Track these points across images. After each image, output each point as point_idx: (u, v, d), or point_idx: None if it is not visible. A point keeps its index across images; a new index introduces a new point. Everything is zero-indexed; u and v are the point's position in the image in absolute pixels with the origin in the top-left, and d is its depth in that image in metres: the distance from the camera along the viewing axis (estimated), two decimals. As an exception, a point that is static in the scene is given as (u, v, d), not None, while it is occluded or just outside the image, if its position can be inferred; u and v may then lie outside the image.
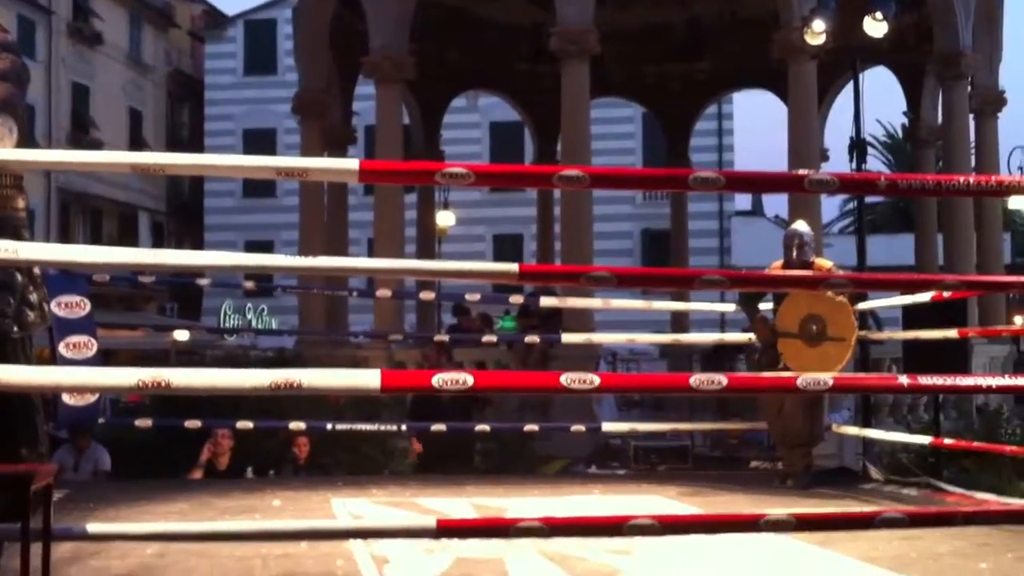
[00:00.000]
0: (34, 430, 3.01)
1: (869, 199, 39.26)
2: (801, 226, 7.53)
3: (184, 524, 3.72)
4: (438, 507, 6.02)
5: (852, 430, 8.13)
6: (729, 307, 8.93)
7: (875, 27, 10.06)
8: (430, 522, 2.78)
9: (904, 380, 3.00)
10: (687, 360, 16.11)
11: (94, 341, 7.15)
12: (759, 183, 3.08)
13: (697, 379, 2.87)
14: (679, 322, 18.84)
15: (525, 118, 20.25)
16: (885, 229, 33.09)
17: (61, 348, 6.97)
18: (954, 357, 7.93)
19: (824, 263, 7.53)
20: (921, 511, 3.21)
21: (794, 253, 7.34)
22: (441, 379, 2.74)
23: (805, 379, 2.88)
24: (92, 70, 31.16)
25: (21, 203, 3.27)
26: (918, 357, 7.95)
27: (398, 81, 13.93)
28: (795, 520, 2.87)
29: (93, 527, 2.84)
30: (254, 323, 29.94)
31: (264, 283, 21.03)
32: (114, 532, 3.02)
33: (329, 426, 7.74)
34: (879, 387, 3.58)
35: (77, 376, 2.75)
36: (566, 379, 2.80)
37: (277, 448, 9.57)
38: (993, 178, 3.06)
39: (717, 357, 13.39)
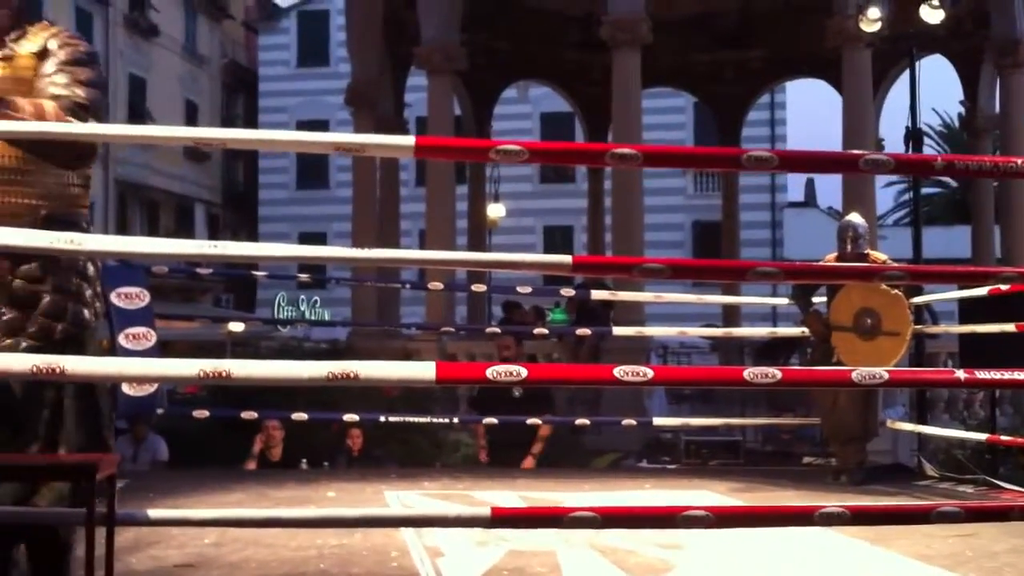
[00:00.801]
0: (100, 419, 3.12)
1: (925, 191, 38.78)
2: (855, 218, 7.46)
3: (244, 511, 3.78)
4: (490, 500, 6.05)
5: (907, 426, 8.04)
6: (782, 301, 8.86)
7: (931, 14, 9.93)
8: (485, 511, 2.80)
9: (961, 375, 2.97)
10: (738, 354, 16.03)
11: (153, 332, 7.25)
12: (813, 163, 3.05)
13: (751, 373, 2.86)
14: (730, 315, 18.74)
15: (575, 108, 20.22)
16: (941, 221, 32.62)
17: (121, 339, 7.07)
18: (1012, 352, 7.83)
19: (879, 256, 7.45)
20: (977, 505, 3.18)
21: (848, 246, 7.26)
22: (495, 371, 2.76)
23: (860, 373, 2.86)
24: (148, 62, 31.54)
25: (86, 202, 3.36)
26: (975, 351, 7.85)
27: (449, 72, 13.98)
28: (850, 514, 2.85)
29: (154, 513, 2.90)
30: (307, 315, 30.21)
31: (317, 275, 21.29)
32: (174, 518, 3.08)
33: (382, 418, 7.79)
34: (935, 381, 3.54)
35: (141, 367, 2.81)
36: (619, 372, 2.80)
37: (331, 440, 9.66)
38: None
39: (771, 351, 13.31)
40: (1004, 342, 7.52)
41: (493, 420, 7.52)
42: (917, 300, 7.66)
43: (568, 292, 8.34)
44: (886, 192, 37.18)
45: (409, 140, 2.87)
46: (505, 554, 4.47)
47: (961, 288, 7.34)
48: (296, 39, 35.32)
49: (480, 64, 15.75)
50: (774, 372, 2.86)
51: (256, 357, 14.93)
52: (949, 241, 25.08)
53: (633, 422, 8.22)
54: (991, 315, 7.26)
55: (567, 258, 2.85)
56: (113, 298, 7.09)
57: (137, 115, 30.47)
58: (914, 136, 8.91)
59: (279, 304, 30.54)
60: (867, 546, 4.65)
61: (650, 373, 2.83)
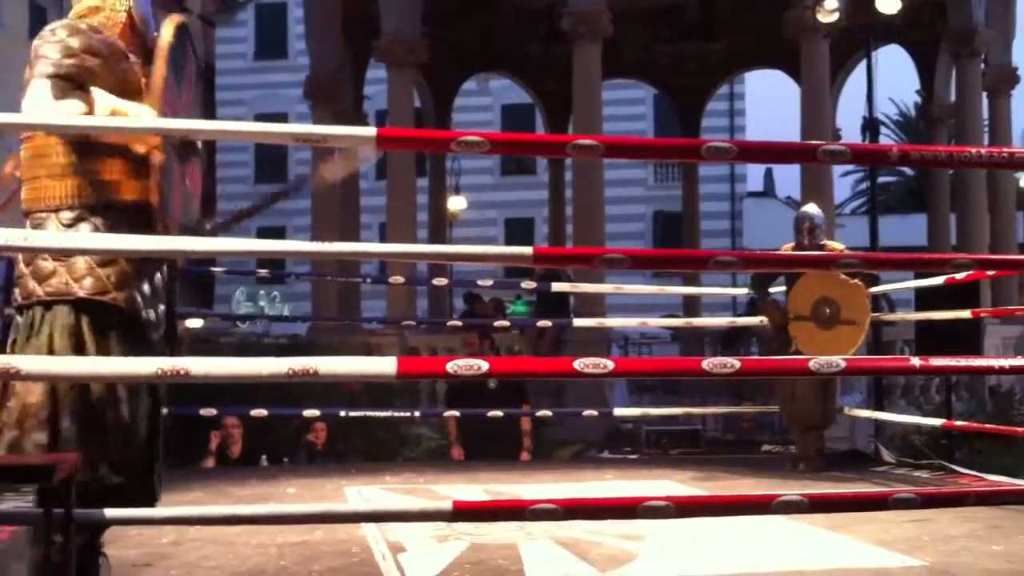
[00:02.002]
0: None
1: (881, 179, 39.19)
2: (812, 209, 7.52)
3: (202, 508, 3.75)
4: (452, 494, 6.04)
5: (864, 412, 8.13)
6: (741, 291, 8.93)
7: (888, 4, 10.04)
8: (446, 505, 2.80)
9: (917, 362, 3.00)
10: (699, 344, 16.12)
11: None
12: (772, 153, 3.07)
13: (710, 363, 2.88)
14: (691, 306, 18.86)
15: (537, 100, 20.24)
16: (898, 210, 32.98)
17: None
18: (967, 338, 7.93)
19: (836, 246, 7.52)
20: (934, 492, 3.22)
21: (805, 236, 7.31)
22: (456, 365, 2.76)
23: (818, 362, 2.89)
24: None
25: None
26: (931, 339, 7.95)
27: (410, 65, 13.94)
28: (808, 501, 2.88)
29: (111, 512, 2.87)
30: (267, 310, 30.00)
31: (277, 270, 21.13)
32: (132, 517, 3.04)
33: (343, 413, 7.76)
34: (892, 369, 3.58)
35: (98, 366, 2.78)
36: (580, 364, 2.81)
37: (291, 436, 9.61)
38: (1005, 150, 3.05)
39: (730, 340, 13.41)
40: (959, 329, 7.63)
41: (455, 413, 7.51)
42: (875, 289, 7.72)
43: (529, 284, 8.34)
44: (844, 181, 37.52)
45: (371, 131, 2.86)
46: (467, 548, 4.46)
47: (918, 276, 7.43)
48: (254, 32, 35.06)
49: (441, 57, 15.71)
50: (733, 362, 2.88)
51: (215, 354, 14.83)
52: (906, 229, 25.32)
53: (595, 413, 8.25)
54: (947, 302, 7.35)
55: (528, 249, 2.85)
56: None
57: (93, 109, 30.11)
58: (871, 126, 8.99)
59: (237, 299, 30.29)
60: (826, 533, 4.69)
61: (611, 365, 2.84)
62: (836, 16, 10.84)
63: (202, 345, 18.90)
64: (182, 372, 2.60)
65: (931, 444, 8.42)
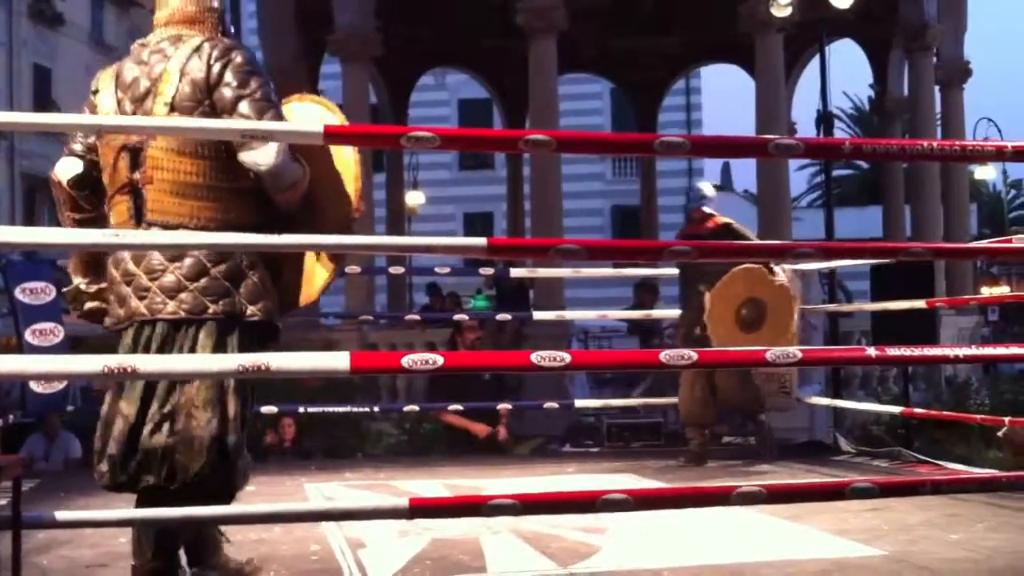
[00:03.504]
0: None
1: (836, 172, 39.55)
2: (702, 186, 7.89)
3: (153, 510, 3.68)
4: (412, 489, 6.01)
5: (823, 401, 8.17)
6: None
7: (841, -2, 10.06)
8: (402, 502, 2.76)
9: (873, 352, 3.00)
10: (659, 336, 16.15)
11: (61, 328, 7.06)
12: (724, 148, 3.07)
13: (667, 355, 2.87)
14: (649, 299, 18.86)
15: (494, 95, 20.17)
16: (854, 202, 33.30)
17: (27, 335, 6.88)
18: (922, 328, 7.99)
19: (723, 219, 7.47)
20: (891, 481, 3.24)
21: (698, 222, 7.41)
22: (411, 360, 2.72)
23: (775, 352, 2.88)
24: (54, 52, 30.75)
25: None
26: (887, 329, 8.00)
27: (365, 59, 13.83)
28: (767, 492, 2.88)
29: (62, 515, 2.81)
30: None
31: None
32: (83, 519, 2.99)
33: (301, 409, 7.69)
34: (848, 359, 3.59)
35: (44, 364, 2.72)
36: (537, 357, 2.79)
37: (253, 431, 9.50)
38: (957, 143, 3.06)
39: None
40: (915, 319, 7.68)
41: (415, 407, 7.48)
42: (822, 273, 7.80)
43: (487, 271, 8.28)
44: (800, 175, 37.87)
45: (318, 127, 2.82)
46: (428, 543, 4.43)
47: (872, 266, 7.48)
48: (208, 27, 34.65)
49: (396, 51, 15.60)
50: (690, 354, 2.87)
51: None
52: (862, 222, 25.58)
53: (555, 405, 8.24)
54: (903, 293, 7.41)
55: (482, 241, 2.82)
56: (18, 293, 6.89)
57: (42, 106, 29.62)
58: (825, 120, 9.05)
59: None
60: (785, 523, 4.70)
61: (568, 358, 2.81)
62: (789, 10, 10.88)
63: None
64: (129, 370, 2.54)
65: (890, 433, 8.48)
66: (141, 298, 3.25)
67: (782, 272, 7.08)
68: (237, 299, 3.26)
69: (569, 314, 10.03)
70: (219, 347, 3.16)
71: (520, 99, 15.32)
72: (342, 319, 13.38)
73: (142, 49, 3.55)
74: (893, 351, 3.01)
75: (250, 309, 3.27)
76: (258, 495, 6.20)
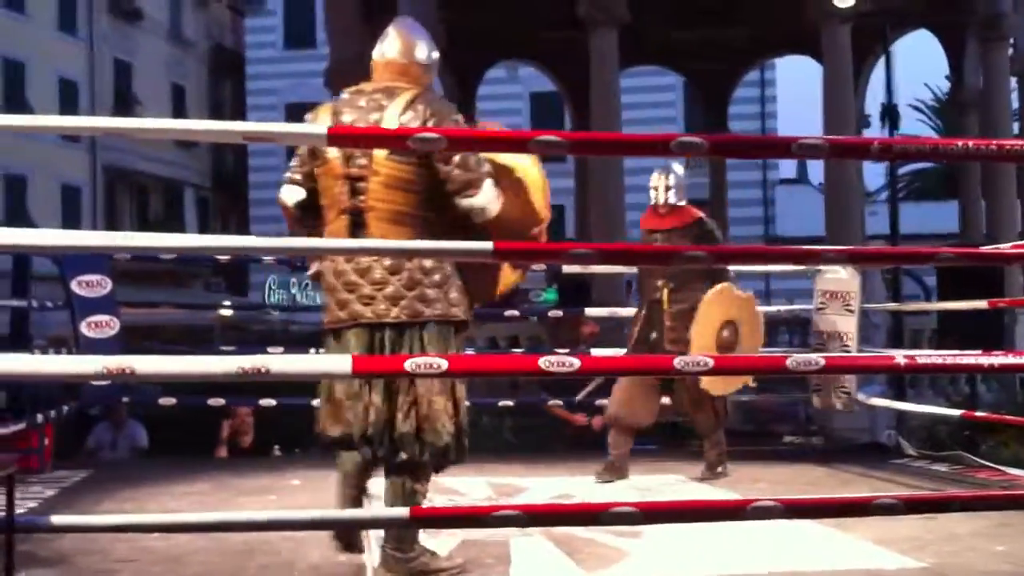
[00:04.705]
0: None
1: (916, 166, 38.65)
2: (671, 166, 6.47)
3: (145, 516, 3.70)
4: (455, 486, 5.93)
5: (883, 402, 7.95)
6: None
7: (908, -13, 9.76)
8: (404, 512, 2.71)
9: (902, 359, 2.88)
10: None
11: (117, 320, 7.16)
12: (744, 147, 2.98)
13: (682, 361, 2.78)
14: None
15: (560, 88, 20.05)
16: (933, 196, 32.51)
17: (83, 328, 6.99)
18: (990, 329, 7.76)
19: (696, 212, 6.53)
20: (915, 497, 3.10)
21: (662, 195, 6.36)
22: (414, 364, 2.68)
23: (796, 360, 2.77)
24: (134, 46, 31.33)
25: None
26: (952, 329, 7.78)
27: (428, 52, 13.80)
28: (782, 507, 2.77)
29: (58, 519, 2.81)
30: (298, 298, 30.06)
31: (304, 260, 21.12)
32: (75, 524, 2.98)
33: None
34: (874, 367, 3.45)
35: (41, 364, 2.72)
36: (544, 362, 2.72)
37: (305, 425, 9.55)
38: (994, 142, 2.91)
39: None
40: (983, 319, 7.45)
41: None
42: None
43: (540, 266, 8.13)
44: (877, 168, 37.01)
45: (321, 129, 2.78)
46: (458, 544, 4.37)
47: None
48: (282, 21, 35.05)
49: (463, 44, 15.55)
50: (706, 360, 2.77)
51: (245, 341, 14.82)
52: (941, 216, 24.97)
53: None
54: (969, 292, 7.18)
55: (489, 245, 2.76)
56: (74, 286, 7.01)
57: (123, 101, 30.30)
58: (890, 112, 8.79)
59: (270, 287, 30.36)
60: (828, 531, 4.56)
61: (577, 363, 2.74)
62: (852, 1, 10.59)
63: (232, 332, 19.06)
64: (127, 370, 2.53)
65: (955, 436, 8.23)
66: (365, 304, 3.79)
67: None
68: (445, 304, 3.82)
69: (624, 311, 9.84)
70: (440, 343, 3.75)
71: (586, 93, 15.17)
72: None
73: (358, 96, 4.03)
74: (923, 358, 2.88)
75: (454, 311, 3.85)
76: (302, 489, 6.26)
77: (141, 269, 21.13)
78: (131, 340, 12.52)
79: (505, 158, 3.94)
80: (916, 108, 38.55)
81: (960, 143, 2.91)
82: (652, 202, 6.41)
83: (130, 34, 31.23)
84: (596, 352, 8.00)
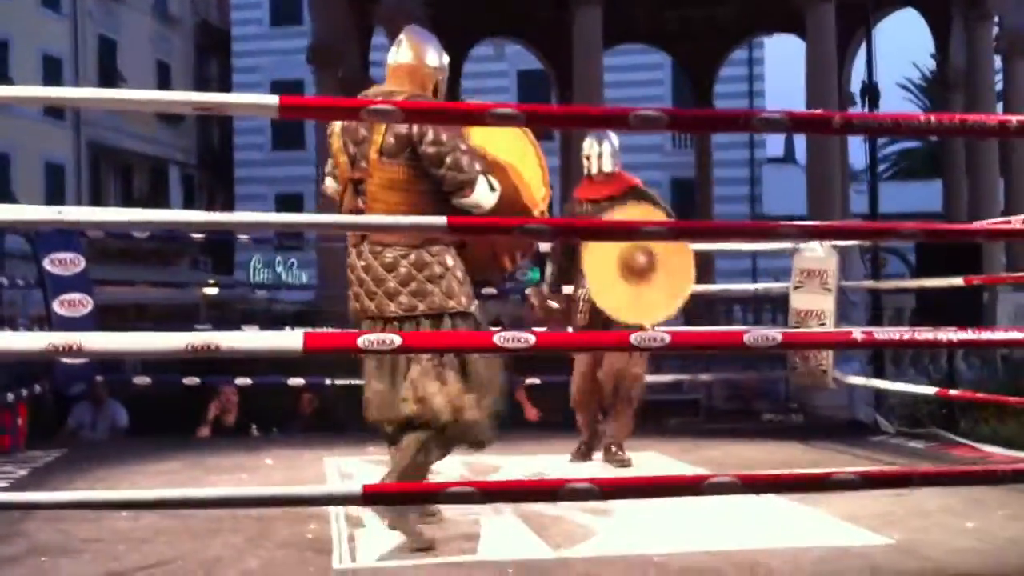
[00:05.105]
0: None
1: (903, 145, 38.61)
2: (603, 134, 6.00)
3: (90, 493, 3.67)
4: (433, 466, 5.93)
5: (861, 380, 7.95)
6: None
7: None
8: (356, 488, 2.69)
9: (859, 335, 2.86)
10: (714, 310, 15.91)
11: (89, 298, 7.12)
12: (703, 122, 2.94)
13: (638, 337, 2.75)
14: (706, 272, 18.60)
15: (546, 66, 19.99)
16: (920, 175, 32.52)
17: (55, 306, 6.95)
18: (968, 306, 7.75)
19: (631, 178, 6.07)
20: (874, 472, 3.08)
21: (595, 164, 5.98)
22: (367, 340, 2.65)
23: (754, 335, 2.75)
24: (118, 23, 31.09)
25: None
26: (930, 307, 7.78)
27: (411, 30, 13.71)
28: (740, 482, 2.76)
29: (4, 496, 2.78)
30: (284, 276, 30.02)
31: (288, 239, 21.07)
32: (25, 501, 2.95)
33: (328, 381, 7.67)
34: (832, 342, 3.42)
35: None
36: (499, 339, 2.70)
37: (288, 404, 9.54)
38: (957, 116, 2.88)
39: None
40: (959, 297, 7.44)
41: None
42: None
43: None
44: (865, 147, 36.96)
45: (273, 100, 2.73)
46: (426, 524, 4.35)
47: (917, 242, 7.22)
48: (268, -2, 34.85)
49: (448, 22, 15.47)
50: (663, 336, 2.75)
51: (229, 320, 14.77)
52: (926, 196, 24.96)
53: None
54: (947, 269, 7.16)
55: (443, 219, 2.72)
56: (47, 264, 6.96)
57: (108, 78, 30.05)
58: (869, 91, 8.76)
59: (254, 266, 30.30)
60: (797, 506, 4.56)
61: (532, 339, 2.72)
62: (836, -22, 10.53)
63: (216, 312, 19.04)
64: (75, 347, 2.49)
65: (935, 413, 8.24)
66: (371, 298, 4.08)
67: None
68: (442, 297, 4.01)
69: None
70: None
71: (572, 71, 15.10)
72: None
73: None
74: (880, 334, 2.86)
75: (450, 303, 4.02)
76: (275, 468, 6.24)
77: (126, 247, 21.04)
78: (116, 319, 12.46)
79: (497, 154, 4.18)
80: (904, 87, 38.56)
81: (922, 118, 2.89)
82: (586, 172, 6.09)
83: (115, 10, 30.98)
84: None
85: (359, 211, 4.08)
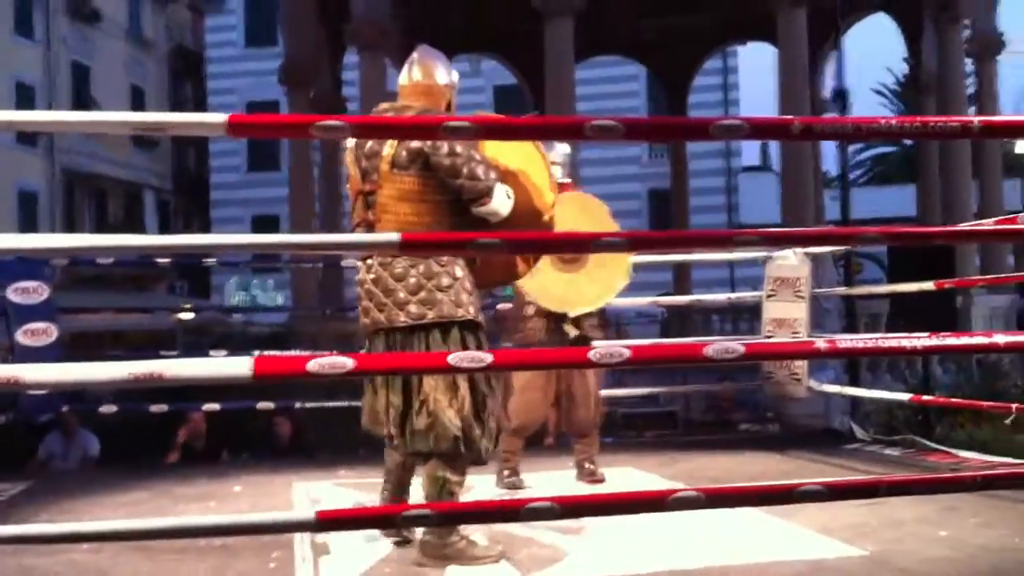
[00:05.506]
0: None
1: (879, 151, 38.74)
2: (557, 145, 5.95)
3: (34, 527, 3.57)
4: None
5: (835, 388, 7.91)
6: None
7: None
8: (310, 515, 2.61)
9: (823, 344, 2.80)
10: (691, 322, 15.90)
11: (54, 327, 7.01)
12: (661, 130, 2.90)
13: (598, 353, 2.69)
14: (683, 283, 18.62)
15: (520, 80, 19.97)
16: (897, 180, 32.65)
17: (19, 336, 6.83)
18: (942, 310, 7.72)
19: (579, 195, 5.96)
20: (841, 483, 3.02)
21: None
22: (319, 364, 2.57)
23: (715, 348, 2.69)
24: (92, 48, 30.94)
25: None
26: (904, 311, 7.75)
27: (382, 47, 13.69)
28: (705, 496, 2.69)
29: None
30: (260, 298, 29.82)
31: (263, 261, 20.94)
32: None
33: (298, 405, 7.57)
34: (794, 352, 3.38)
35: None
36: (454, 359, 2.64)
37: (260, 429, 9.44)
38: (918, 119, 2.83)
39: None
40: (932, 302, 7.41)
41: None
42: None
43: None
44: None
45: (220, 118, 2.66)
46: (392, 550, 4.27)
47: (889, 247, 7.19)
48: (243, 20, 34.76)
49: (419, 38, 15.39)
50: (622, 351, 2.68)
51: (207, 344, 14.65)
52: (901, 200, 25.05)
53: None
54: (920, 274, 7.13)
55: (396, 236, 2.66)
56: (9, 293, 6.84)
57: (81, 103, 29.86)
58: (840, 96, 8.75)
59: (231, 289, 30.10)
60: (771, 519, 4.50)
61: (488, 359, 2.66)
62: (803, -17, 10.53)
63: (193, 337, 18.89)
64: (12, 380, 2.41)
65: (910, 419, 8.21)
66: (380, 310, 4.11)
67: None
68: (451, 306, 4.06)
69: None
70: (444, 343, 4.02)
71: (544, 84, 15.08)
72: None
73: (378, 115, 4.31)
74: (844, 343, 2.81)
75: (459, 312, 4.08)
76: (243, 495, 6.13)
77: (99, 273, 20.88)
78: (91, 346, 12.30)
79: (509, 162, 4.28)
80: (879, 92, 38.72)
81: (883, 121, 2.84)
82: None
83: (88, 36, 30.84)
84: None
85: (369, 223, 4.14)
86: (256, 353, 5.05)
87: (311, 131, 2.68)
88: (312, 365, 2.58)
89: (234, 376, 2.58)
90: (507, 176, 4.26)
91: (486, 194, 4.07)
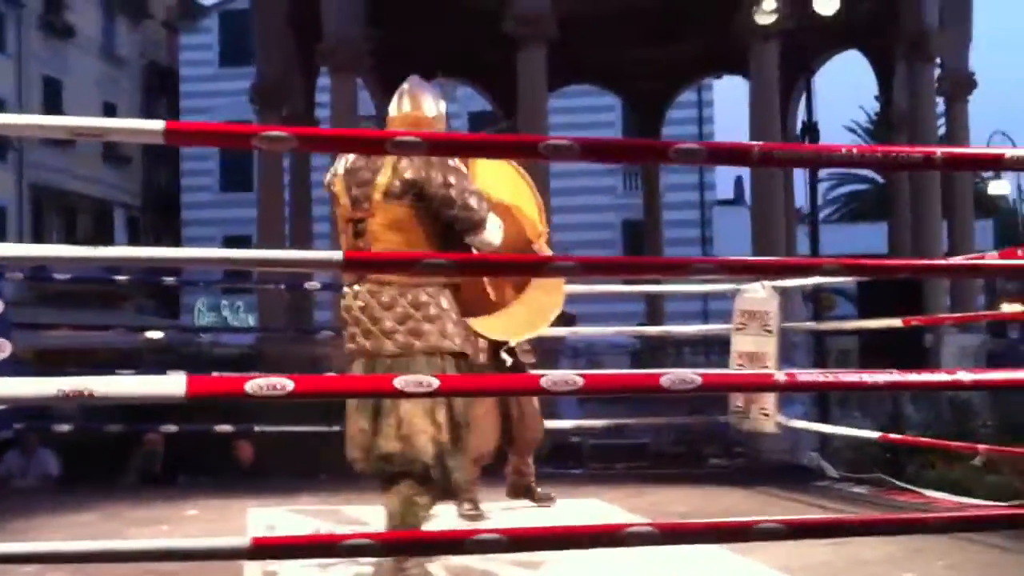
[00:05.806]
0: None
1: (854, 187, 38.98)
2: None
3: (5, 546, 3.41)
4: (363, 516, 5.70)
5: (802, 424, 7.83)
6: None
7: (826, 5, 9.74)
8: (244, 542, 2.48)
9: (782, 377, 2.71)
10: (663, 352, 15.82)
11: (8, 343, 6.82)
12: (615, 151, 2.82)
13: (548, 380, 2.59)
14: (656, 315, 18.57)
15: (494, 106, 19.94)
16: (871, 217, 32.81)
17: (-29, 351, 6.64)
18: (911, 347, 7.66)
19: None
20: (801, 521, 2.93)
21: None
22: (256, 385, 2.45)
23: (671, 378, 2.59)
24: (64, 64, 30.72)
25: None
26: (874, 347, 7.69)
27: (354, 69, 13.61)
28: (659, 532, 2.58)
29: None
30: (230, 319, 29.58)
31: (233, 280, 20.75)
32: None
33: (257, 428, 7.41)
34: (752, 384, 3.29)
35: None
36: (400, 382, 2.53)
37: (222, 451, 9.26)
38: (879, 149, 2.76)
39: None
40: (904, 338, 7.34)
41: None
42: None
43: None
44: (818, 189, 37.25)
45: (158, 125, 2.55)
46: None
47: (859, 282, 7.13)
48: (218, 39, 34.62)
49: (392, 62, 15.36)
50: (575, 379, 2.58)
51: (173, 364, 14.45)
52: (874, 237, 25.12)
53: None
54: (890, 310, 7.07)
55: (338, 254, 2.55)
56: (-37, 308, 6.66)
57: (53, 118, 29.58)
58: (809, 131, 8.73)
59: (199, 309, 29.83)
60: (730, 555, 4.39)
61: (435, 383, 2.55)
62: (774, 18, 10.56)
63: (159, 356, 18.64)
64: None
65: (879, 457, 8.12)
66: (367, 337, 4.11)
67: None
68: (437, 336, 4.07)
69: (563, 331, 9.52)
70: (429, 374, 3.91)
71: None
72: (336, 333, 13.10)
73: None
74: (803, 376, 2.71)
75: (445, 343, 4.08)
76: (197, 520, 5.98)
77: (66, 290, 20.62)
78: (56, 363, 12.10)
79: (499, 193, 4.37)
80: (851, 130, 39.03)
81: (844, 149, 2.76)
82: None
83: (61, 51, 30.62)
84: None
85: (359, 251, 4.13)
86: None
87: (254, 141, 2.58)
88: (250, 386, 2.46)
89: (167, 396, 2.46)
90: (498, 208, 4.31)
91: (479, 224, 4.12)
